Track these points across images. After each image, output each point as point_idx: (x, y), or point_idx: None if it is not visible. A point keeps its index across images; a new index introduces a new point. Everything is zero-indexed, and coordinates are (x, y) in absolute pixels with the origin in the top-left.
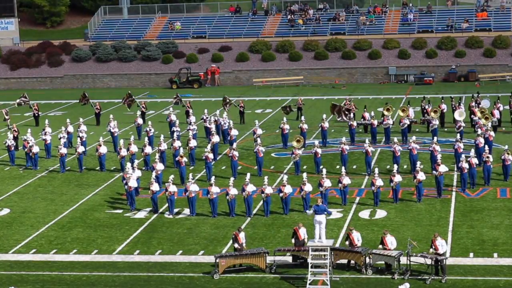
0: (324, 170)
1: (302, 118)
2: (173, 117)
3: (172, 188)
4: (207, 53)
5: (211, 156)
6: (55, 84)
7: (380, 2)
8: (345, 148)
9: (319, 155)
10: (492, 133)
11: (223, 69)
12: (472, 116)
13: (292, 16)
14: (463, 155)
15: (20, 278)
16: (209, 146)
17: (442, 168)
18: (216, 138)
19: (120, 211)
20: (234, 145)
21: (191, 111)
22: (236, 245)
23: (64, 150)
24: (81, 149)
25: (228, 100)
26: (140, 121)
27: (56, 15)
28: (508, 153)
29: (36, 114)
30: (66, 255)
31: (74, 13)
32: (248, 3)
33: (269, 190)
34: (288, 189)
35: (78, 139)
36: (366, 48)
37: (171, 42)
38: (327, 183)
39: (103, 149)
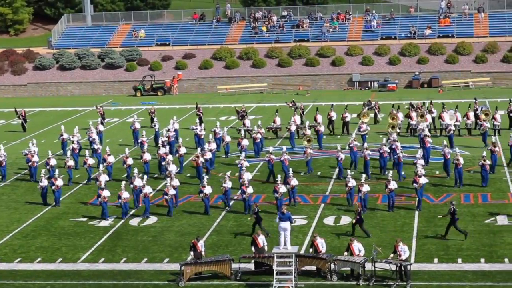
0: (279, 177)
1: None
2: (137, 125)
3: (208, 190)
4: (171, 60)
5: (246, 163)
6: (18, 92)
7: (344, 9)
8: (367, 154)
9: (342, 160)
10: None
11: (187, 76)
12: (409, 120)
13: (256, 23)
14: (421, 161)
15: None
16: (243, 154)
17: (423, 180)
18: (213, 145)
19: (85, 219)
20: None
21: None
22: (192, 253)
23: (71, 163)
24: (91, 161)
25: (243, 112)
26: (101, 127)
27: (19, 23)
28: (485, 160)
29: (23, 120)
30: (30, 263)
31: (38, 21)
32: (212, 10)
33: (208, 189)
34: (283, 189)
35: (89, 151)
36: (330, 55)
37: (135, 49)
38: (282, 189)
39: (130, 161)
